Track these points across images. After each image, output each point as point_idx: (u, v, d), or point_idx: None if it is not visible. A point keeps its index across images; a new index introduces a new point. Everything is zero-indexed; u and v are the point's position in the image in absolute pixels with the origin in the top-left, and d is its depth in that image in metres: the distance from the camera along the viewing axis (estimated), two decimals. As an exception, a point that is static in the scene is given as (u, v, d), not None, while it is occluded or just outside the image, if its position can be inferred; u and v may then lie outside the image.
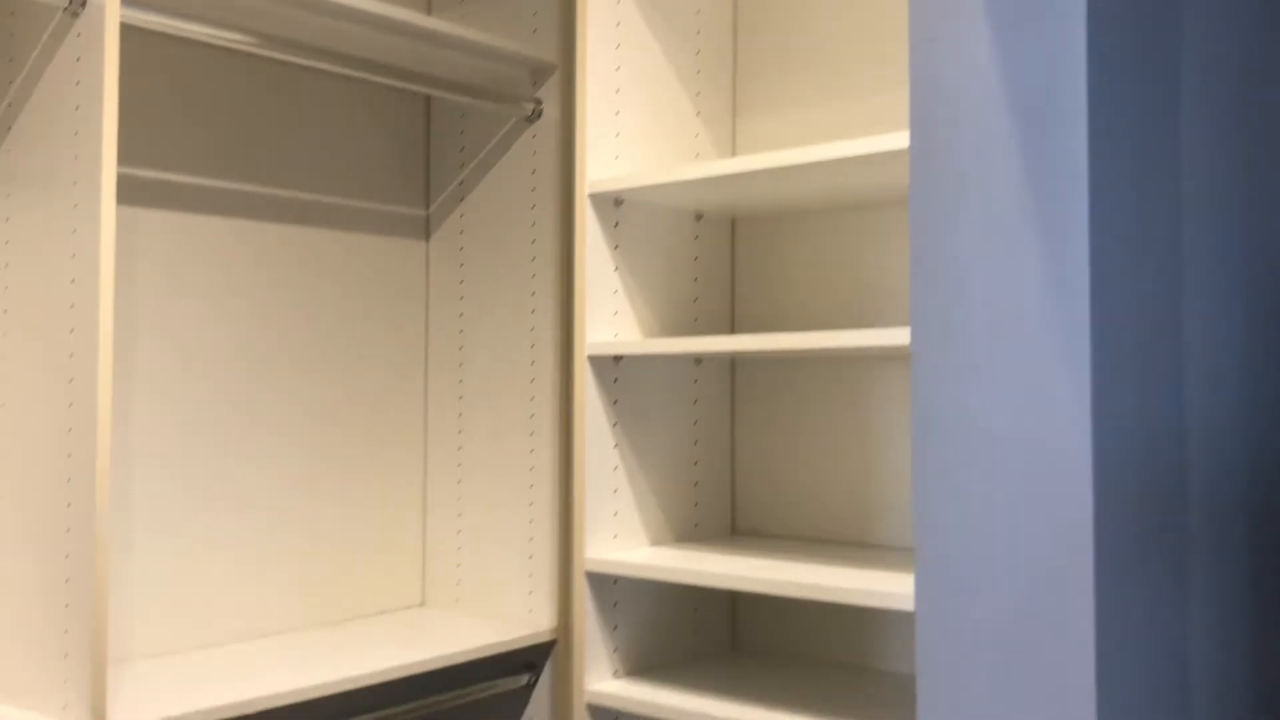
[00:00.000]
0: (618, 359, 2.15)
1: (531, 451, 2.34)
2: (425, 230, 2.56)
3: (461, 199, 2.50)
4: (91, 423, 1.65)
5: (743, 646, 2.37)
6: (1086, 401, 1.02)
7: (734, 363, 2.41)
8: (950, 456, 1.11)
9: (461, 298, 2.49)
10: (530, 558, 2.33)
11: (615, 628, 2.13)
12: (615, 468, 2.14)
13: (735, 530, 2.40)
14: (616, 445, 2.14)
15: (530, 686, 2.33)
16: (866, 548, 2.18)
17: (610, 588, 2.12)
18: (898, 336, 1.69)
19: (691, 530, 2.30)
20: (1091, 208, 1.03)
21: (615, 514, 2.13)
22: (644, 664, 2.19)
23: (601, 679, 2.09)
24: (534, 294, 2.36)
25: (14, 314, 1.79)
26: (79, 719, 1.64)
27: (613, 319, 2.14)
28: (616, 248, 2.15)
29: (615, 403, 2.15)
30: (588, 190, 2.10)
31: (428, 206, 2.56)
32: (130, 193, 2.05)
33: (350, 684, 1.95)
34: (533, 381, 2.35)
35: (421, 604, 2.53)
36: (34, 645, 1.73)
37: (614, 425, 2.14)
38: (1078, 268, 1.03)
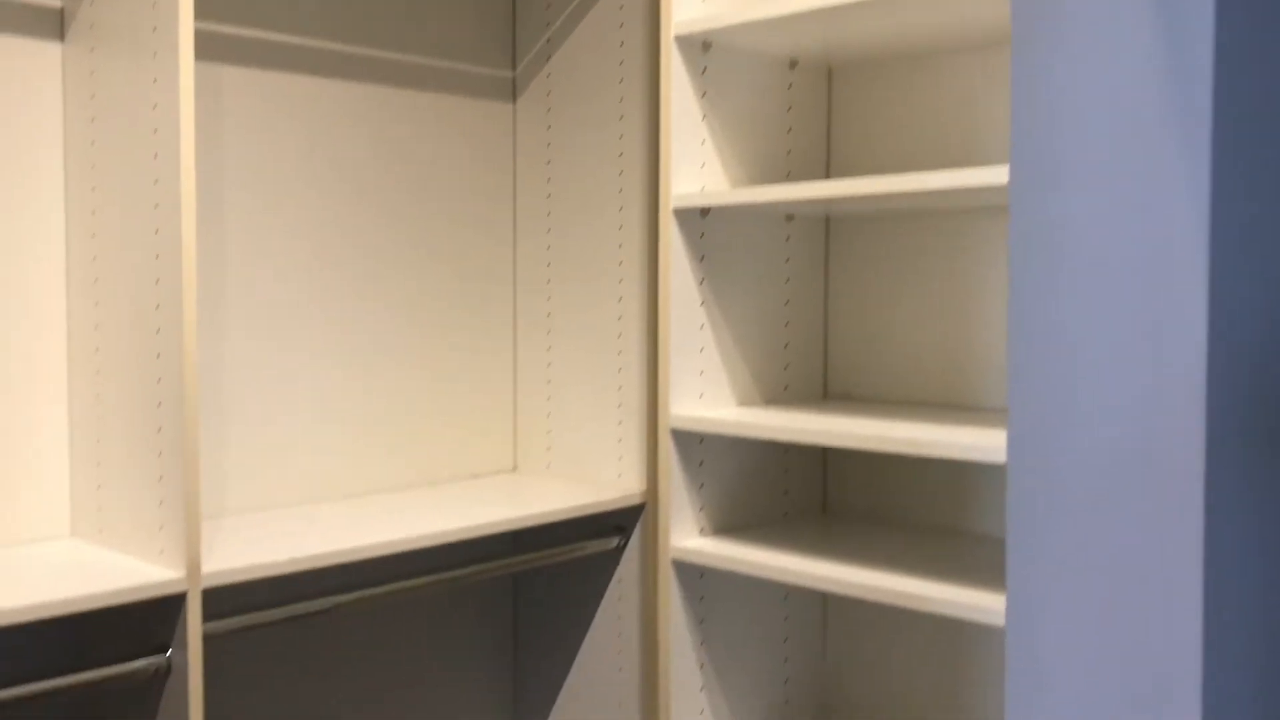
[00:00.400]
0: (704, 212, 2.08)
1: (620, 319, 2.31)
2: (512, 92, 2.50)
3: (548, 58, 2.43)
4: (176, 274, 1.66)
5: (834, 509, 2.33)
6: (1204, 243, 0.93)
7: (828, 220, 2.33)
8: (1047, 297, 1.03)
9: (549, 161, 2.44)
10: (619, 423, 2.31)
11: (701, 486, 2.10)
12: (701, 326, 2.09)
13: (828, 394, 2.34)
14: (703, 303, 2.09)
15: (620, 549, 2.33)
16: (966, 410, 2.11)
17: (696, 446, 2.09)
18: (997, 176, 1.59)
19: (781, 393, 2.25)
20: (1218, 29, 0.92)
21: (701, 373, 2.09)
22: (731, 524, 2.17)
23: (687, 536, 2.08)
24: (621, 155, 2.29)
25: (101, 168, 1.80)
26: (174, 564, 1.69)
27: (700, 171, 2.07)
28: (704, 95, 2.07)
29: (702, 259, 2.09)
30: (674, 32, 2.01)
31: (514, 68, 2.50)
32: (213, 48, 2.04)
33: (441, 538, 1.97)
34: (620, 247, 2.30)
35: (514, 469, 2.54)
36: (131, 493, 1.77)
37: (701, 282, 2.09)
38: (1200, 105, 0.92)
